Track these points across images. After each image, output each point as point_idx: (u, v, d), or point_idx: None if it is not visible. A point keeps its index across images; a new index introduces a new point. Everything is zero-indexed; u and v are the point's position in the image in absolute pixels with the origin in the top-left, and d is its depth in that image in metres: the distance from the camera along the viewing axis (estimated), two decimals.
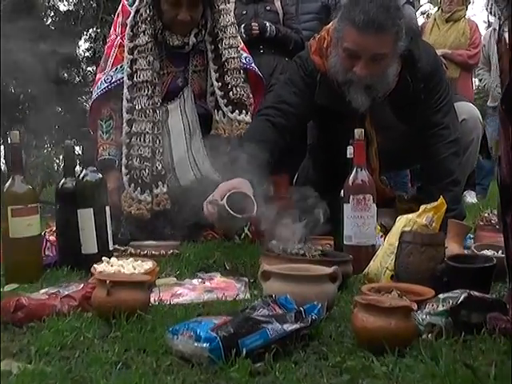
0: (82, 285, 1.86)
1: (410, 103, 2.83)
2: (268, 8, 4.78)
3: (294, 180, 3.63)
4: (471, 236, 2.87)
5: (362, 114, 2.85)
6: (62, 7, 11.14)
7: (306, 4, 5.13)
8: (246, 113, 3.17)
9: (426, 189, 3.00)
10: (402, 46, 2.69)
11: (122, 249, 2.64)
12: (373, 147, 2.93)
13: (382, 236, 2.71)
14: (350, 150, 2.38)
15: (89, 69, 11.68)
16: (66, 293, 1.80)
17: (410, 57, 2.79)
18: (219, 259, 2.51)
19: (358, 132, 2.27)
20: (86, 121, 3.31)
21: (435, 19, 6.00)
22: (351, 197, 2.22)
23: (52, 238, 2.66)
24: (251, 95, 3.28)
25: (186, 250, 2.68)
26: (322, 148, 3.25)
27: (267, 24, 4.63)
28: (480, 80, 6.43)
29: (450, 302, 1.52)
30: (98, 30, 10.43)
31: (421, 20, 21.60)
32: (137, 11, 3.10)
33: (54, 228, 2.66)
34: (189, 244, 2.86)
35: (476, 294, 1.54)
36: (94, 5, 10.59)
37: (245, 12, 4.77)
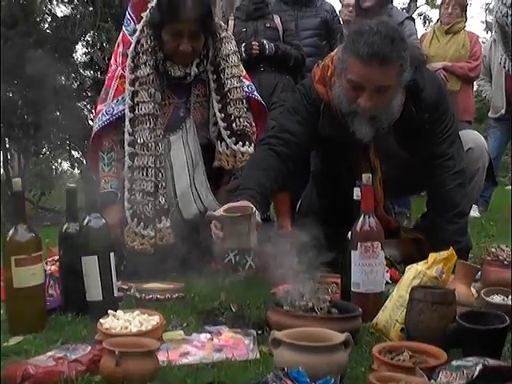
0: (89, 347, 1.84)
1: (414, 133, 2.81)
2: (268, 25, 4.78)
3: (297, 206, 3.62)
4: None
5: (366, 144, 2.84)
6: (59, 13, 11.11)
7: (305, 20, 5.14)
8: (250, 144, 3.15)
9: (431, 220, 2.98)
10: (407, 77, 2.67)
11: (126, 287, 2.62)
12: (377, 177, 2.92)
13: (387, 271, 2.70)
14: (356, 192, 2.34)
15: (86, 73, 11.68)
16: (74, 357, 1.77)
17: (415, 86, 2.77)
18: (225, 301, 2.48)
19: (366, 177, 2.24)
20: (85, 129, 3.28)
21: (434, 31, 5.96)
22: (359, 244, 2.19)
23: (54, 267, 2.63)
24: (254, 124, 3.26)
25: (191, 290, 2.64)
26: (325, 176, 3.23)
27: (265, 42, 4.62)
28: (481, 91, 6.39)
29: (464, 372, 1.50)
30: (95, 35, 10.40)
31: (418, 23, 21.56)
32: (137, 42, 3.07)
33: (57, 257, 2.64)
34: (193, 281, 2.82)
35: (491, 362, 1.52)
36: (91, 8, 10.54)
37: (244, 29, 4.77)
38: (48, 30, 11.01)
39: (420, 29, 22.20)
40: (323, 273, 2.65)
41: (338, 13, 5.68)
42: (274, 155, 2.83)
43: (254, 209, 2.46)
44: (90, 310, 2.29)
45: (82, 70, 11.55)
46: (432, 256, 2.05)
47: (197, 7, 2.97)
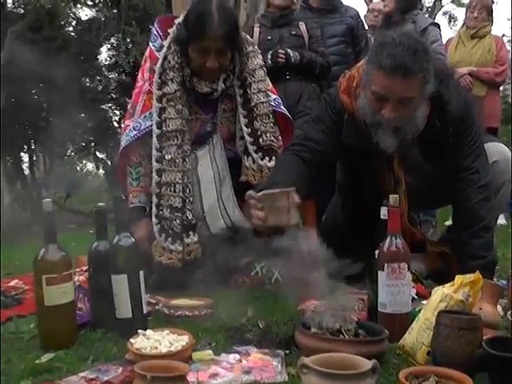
0: (121, 368, 1.88)
1: (438, 145, 2.83)
2: (293, 32, 4.78)
3: (323, 218, 3.64)
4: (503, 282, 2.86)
5: (390, 155, 2.87)
6: (84, 16, 11.20)
7: (331, 27, 5.14)
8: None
9: (456, 234, 2.99)
10: (431, 89, 2.69)
11: (154, 301, 2.67)
12: (401, 188, 2.95)
13: (414, 286, 2.71)
14: (383, 212, 2.35)
15: (111, 75, 11.76)
16: (106, 379, 1.82)
17: (439, 99, 2.79)
18: (252, 317, 2.51)
19: (393, 198, 2.26)
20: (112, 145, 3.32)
21: (460, 36, 5.93)
22: (386, 265, 2.20)
23: (82, 278, 2.67)
24: (280, 137, 3.29)
25: (219, 306, 2.67)
26: (350, 186, 3.25)
27: (289, 51, 4.62)
28: (507, 95, 6.35)
29: None
30: (120, 39, 10.47)
31: (443, 21, 21.40)
32: (164, 58, 3.11)
33: (85, 267, 2.69)
34: (221, 295, 2.86)
35: None
36: (115, 10, 10.61)
37: (270, 37, 4.78)
38: (72, 33, 11.12)
39: (445, 28, 22.07)
40: (350, 288, 2.68)
41: (362, 18, 5.68)
42: (299, 160, 2.88)
43: (293, 188, 2.52)
44: (120, 327, 2.33)
45: (106, 72, 11.63)
46: (459, 279, 2.06)
47: (223, 24, 2.99)
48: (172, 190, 3.03)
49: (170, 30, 3.14)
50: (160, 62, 3.11)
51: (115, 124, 12.21)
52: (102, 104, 11.63)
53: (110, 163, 12.15)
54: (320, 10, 5.26)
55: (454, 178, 2.86)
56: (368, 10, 6.34)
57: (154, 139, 3.07)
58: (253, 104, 3.19)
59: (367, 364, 1.68)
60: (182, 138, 3.06)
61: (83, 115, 11.42)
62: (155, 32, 3.25)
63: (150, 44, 3.25)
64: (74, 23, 11.14)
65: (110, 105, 12.04)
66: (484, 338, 1.87)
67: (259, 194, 2.55)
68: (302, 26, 4.84)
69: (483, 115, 5.38)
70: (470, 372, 1.75)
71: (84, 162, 14.54)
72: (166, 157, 3.04)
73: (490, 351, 1.76)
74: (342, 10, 5.30)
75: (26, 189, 10.88)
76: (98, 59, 11.39)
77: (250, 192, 2.61)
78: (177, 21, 3.14)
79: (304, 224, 4.65)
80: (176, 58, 3.09)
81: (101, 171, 13.41)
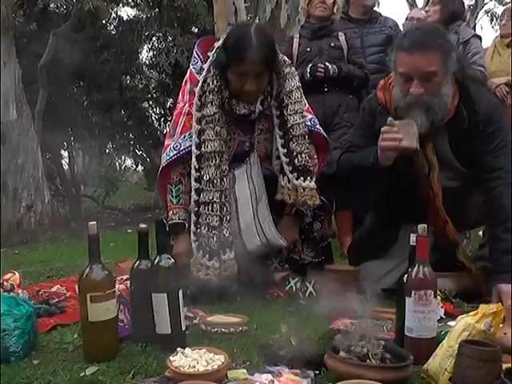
0: None
1: (467, 140, 3.02)
2: (332, 44, 4.85)
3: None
4: None
5: (423, 139, 3.00)
6: (125, 16, 11.34)
7: (370, 36, 5.22)
8: (311, 179, 3.25)
9: (487, 233, 3.14)
10: (452, 67, 2.94)
11: (191, 315, 2.80)
12: (434, 172, 3.09)
13: (442, 306, 2.79)
14: (412, 238, 2.45)
15: (151, 75, 11.90)
16: None
17: (466, 90, 3.04)
18: (285, 333, 2.60)
19: (421, 228, 2.34)
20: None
21: (495, 45, 5.92)
22: (413, 292, 2.29)
23: (122, 286, 2.79)
24: (315, 156, 3.40)
25: (253, 321, 2.79)
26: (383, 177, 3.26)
27: (328, 64, 4.69)
28: None
29: None
30: (161, 40, 10.60)
31: (485, 20, 21.12)
32: (204, 81, 3.21)
33: (125, 276, 2.82)
34: (255, 311, 2.99)
35: None
36: (156, 9, 10.74)
37: (309, 49, 4.84)
38: (113, 32, 11.27)
39: (487, 26, 21.88)
40: (379, 307, 2.77)
41: (401, 27, 5.74)
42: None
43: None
44: (159, 342, 2.47)
45: (146, 71, 11.77)
46: (482, 308, 2.15)
47: (262, 49, 3.08)
48: (210, 208, 3.14)
49: (210, 54, 3.24)
50: (200, 84, 3.21)
51: (154, 121, 12.38)
52: (141, 102, 11.79)
53: (148, 160, 12.30)
54: (360, 20, 5.35)
55: (484, 177, 3.03)
56: (406, 19, 6.38)
57: (193, 159, 3.18)
58: (289, 125, 3.26)
59: None
60: (220, 159, 3.17)
61: (123, 113, 11.60)
62: (195, 55, 3.36)
63: (191, 66, 3.37)
64: (115, 23, 11.29)
65: (150, 103, 12.20)
66: (504, 367, 1.96)
67: (397, 121, 2.90)
68: (342, 36, 4.92)
69: None
70: None
71: (123, 158, 14.68)
72: (205, 177, 3.15)
73: (508, 383, 1.85)
74: (381, 21, 5.39)
75: (65, 185, 11.09)
76: (138, 58, 11.53)
77: (391, 118, 2.92)
78: (216, 44, 3.24)
79: (340, 234, 4.77)
80: (215, 82, 3.19)
81: (139, 168, 13.57)
